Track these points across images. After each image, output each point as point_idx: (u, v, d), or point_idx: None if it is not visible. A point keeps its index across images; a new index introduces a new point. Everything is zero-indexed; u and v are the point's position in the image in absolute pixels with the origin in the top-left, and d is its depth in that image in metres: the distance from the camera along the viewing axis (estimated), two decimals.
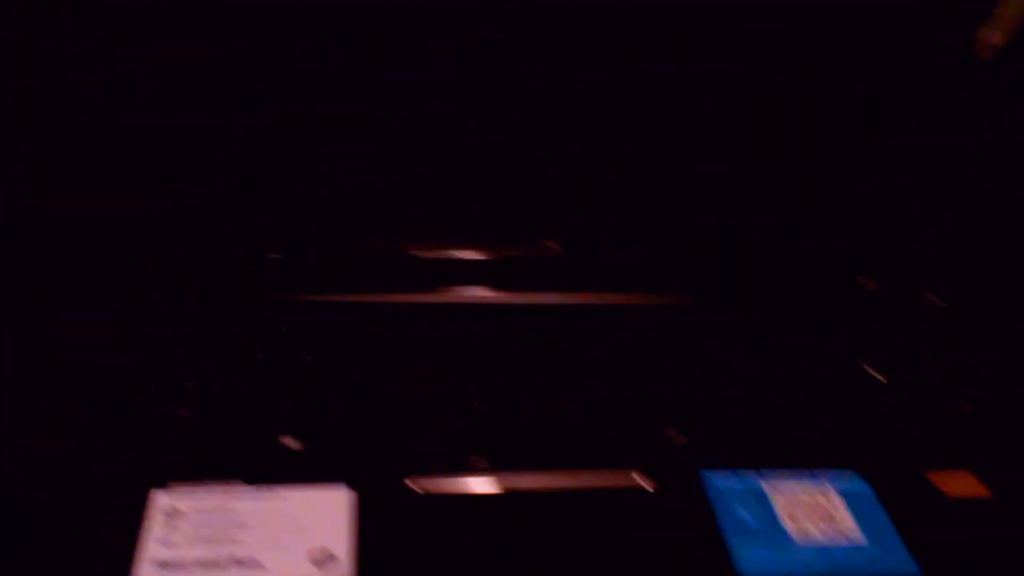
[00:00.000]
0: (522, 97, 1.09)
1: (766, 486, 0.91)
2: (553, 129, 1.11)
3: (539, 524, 0.86)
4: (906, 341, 1.07)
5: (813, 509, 0.89)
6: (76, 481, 0.85)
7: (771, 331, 1.07)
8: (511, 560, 0.83)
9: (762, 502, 0.89)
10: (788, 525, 0.87)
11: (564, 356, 1.02)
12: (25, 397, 0.91)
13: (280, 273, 1.08)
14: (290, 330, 1.02)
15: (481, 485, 0.89)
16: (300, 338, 1.01)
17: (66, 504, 0.83)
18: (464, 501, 0.88)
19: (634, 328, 1.06)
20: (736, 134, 1.13)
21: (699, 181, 1.14)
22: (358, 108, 1.07)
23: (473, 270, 1.11)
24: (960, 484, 0.92)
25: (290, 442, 0.90)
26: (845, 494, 0.91)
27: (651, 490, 0.90)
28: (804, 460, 0.93)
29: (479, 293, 1.09)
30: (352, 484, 0.86)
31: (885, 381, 1.03)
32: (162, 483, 0.84)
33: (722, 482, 0.91)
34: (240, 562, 0.80)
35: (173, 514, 0.83)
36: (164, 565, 0.79)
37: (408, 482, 0.87)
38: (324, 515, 0.83)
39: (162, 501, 0.83)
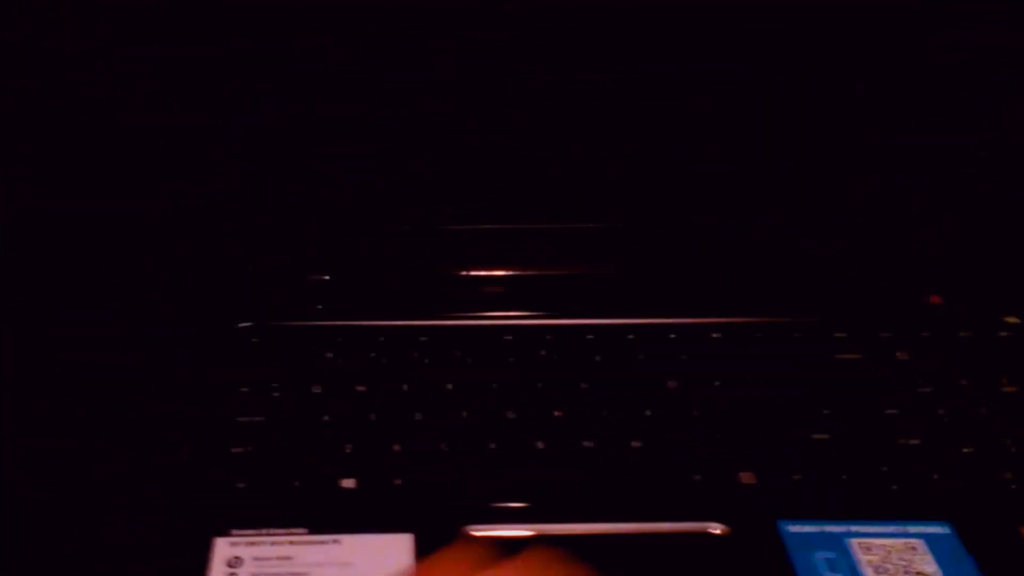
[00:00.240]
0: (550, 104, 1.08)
1: (848, 537, 0.85)
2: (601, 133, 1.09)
3: (605, 573, 0.81)
4: (993, 372, 1.00)
5: (900, 563, 0.83)
6: (131, 527, 0.84)
7: (857, 361, 1.02)
8: None
9: (844, 554, 0.84)
10: None
11: (626, 385, 0.98)
12: (73, 433, 0.91)
13: (328, 296, 1.07)
14: (341, 359, 1.00)
15: (545, 531, 0.86)
16: (352, 367, 0.99)
17: (123, 549, 0.82)
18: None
19: (707, 353, 1.02)
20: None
21: (756, 190, 1.12)
22: (401, 124, 1.06)
23: (527, 290, 1.09)
24: None
25: (346, 483, 0.89)
26: (935, 547, 0.84)
27: (723, 538, 0.85)
28: (891, 509, 0.88)
29: (533, 315, 1.07)
30: (410, 528, 0.85)
31: (984, 417, 0.96)
32: (223, 531, 0.84)
33: (800, 531, 0.85)
34: None
35: (235, 564, 0.82)
36: None
37: (469, 530, 0.86)
38: (387, 562, 0.82)
39: (224, 550, 0.83)
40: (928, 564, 0.83)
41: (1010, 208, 1.11)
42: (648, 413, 0.95)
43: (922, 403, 0.97)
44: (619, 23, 1.05)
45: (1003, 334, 1.05)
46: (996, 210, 1.11)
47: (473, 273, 1.10)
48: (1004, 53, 1.04)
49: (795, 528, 0.86)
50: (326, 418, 0.94)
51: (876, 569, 0.82)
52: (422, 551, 0.83)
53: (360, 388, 0.97)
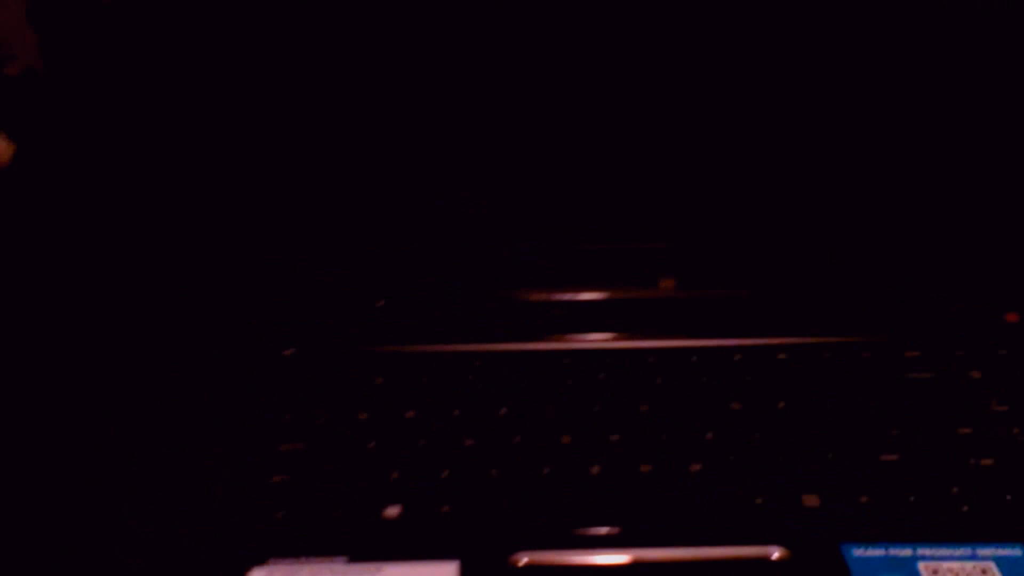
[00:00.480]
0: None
1: (916, 560, 0.81)
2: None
3: None
4: None
5: None
6: (169, 556, 0.83)
7: (928, 380, 0.97)
8: None
9: None
10: None
11: (687, 408, 0.95)
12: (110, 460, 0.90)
13: (381, 322, 1.04)
14: (389, 384, 0.98)
15: (598, 559, 0.83)
16: (401, 393, 0.97)
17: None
18: None
19: (773, 375, 0.99)
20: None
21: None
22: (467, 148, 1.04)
23: (586, 313, 1.06)
24: None
25: (390, 511, 0.87)
26: (1008, 570, 0.80)
27: (783, 563, 0.82)
28: (961, 531, 0.83)
29: (589, 339, 1.03)
30: (455, 556, 0.83)
31: None
32: (261, 559, 0.82)
33: (865, 554, 0.81)
34: None
35: None
36: None
37: (516, 558, 0.83)
38: None
39: None
40: None
41: None
42: (709, 436, 0.92)
43: (996, 422, 0.93)
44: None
45: None
46: None
47: (530, 297, 1.07)
48: None
49: (860, 552, 0.82)
50: (372, 444, 0.92)
51: None
52: None
53: (409, 414, 0.95)
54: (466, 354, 1.01)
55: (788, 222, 1.09)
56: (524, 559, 0.83)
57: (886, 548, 0.82)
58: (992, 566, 0.81)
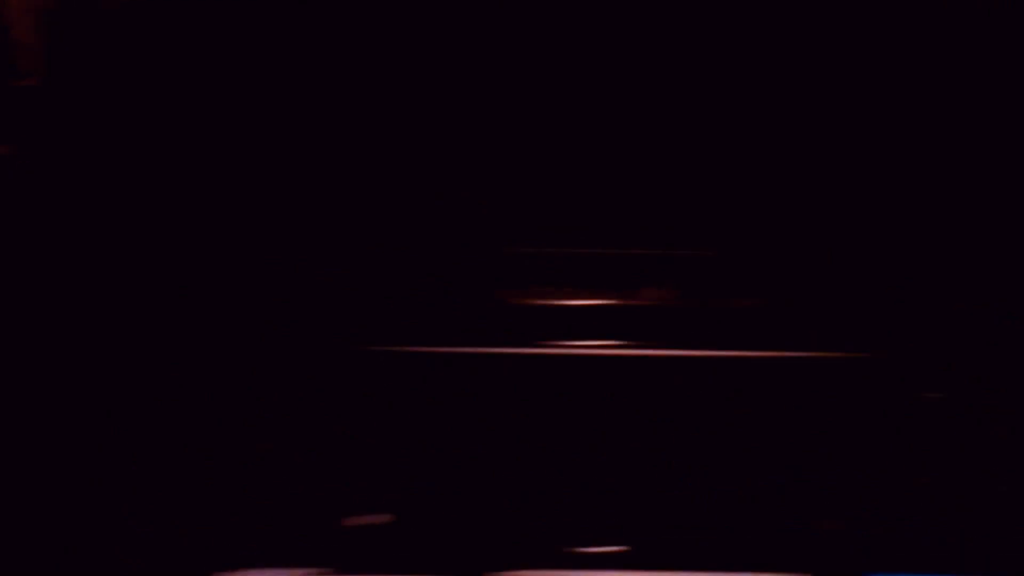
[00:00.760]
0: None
1: None
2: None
3: None
4: None
5: None
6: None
7: (963, 407, 0.89)
8: None
9: None
10: None
11: (697, 422, 0.90)
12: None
13: (386, 321, 1.00)
14: (392, 386, 0.93)
15: None
16: (406, 396, 0.93)
17: None
18: None
19: (789, 389, 0.92)
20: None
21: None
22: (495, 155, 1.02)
23: (574, 320, 1.01)
24: None
25: (367, 520, 0.83)
26: None
27: None
28: (994, 564, 0.76)
29: (582, 345, 0.98)
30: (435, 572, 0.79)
31: None
32: (227, 568, 0.80)
33: None
34: None
35: None
36: None
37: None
38: None
39: None
40: None
41: None
42: (725, 453, 0.87)
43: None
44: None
45: None
46: None
47: (534, 301, 1.03)
48: None
49: None
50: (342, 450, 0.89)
51: None
52: None
53: (394, 419, 0.91)
54: (458, 357, 0.95)
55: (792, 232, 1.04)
56: None
57: None
58: None
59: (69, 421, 0.90)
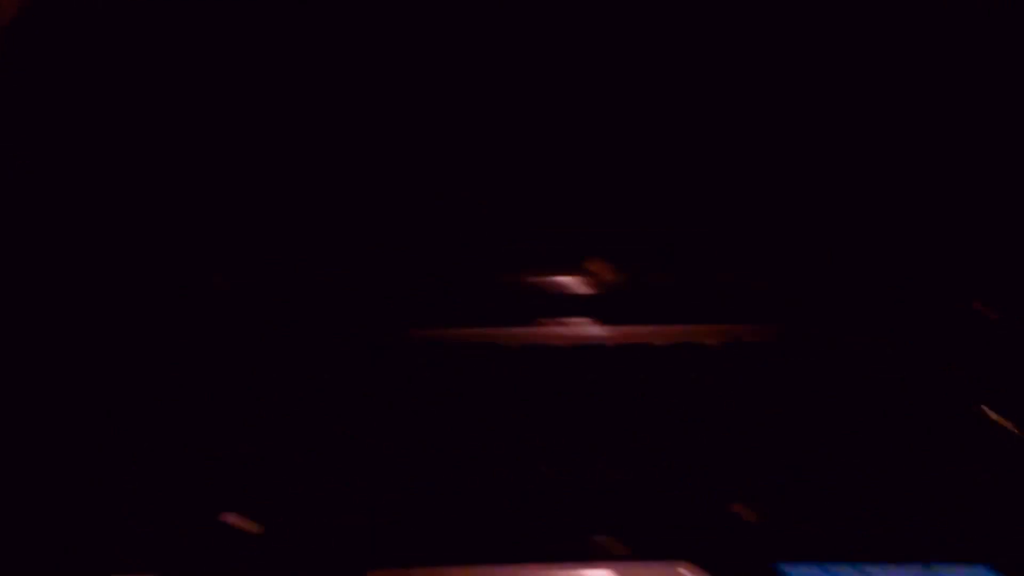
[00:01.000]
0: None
1: None
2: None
3: None
4: None
5: None
6: None
7: (875, 372, 0.84)
8: None
9: None
10: None
11: (595, 407, 0.83)
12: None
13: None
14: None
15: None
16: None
17: None
18: None
19: (700, 368, 0.86)
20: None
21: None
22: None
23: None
24: None
25: (237, 522, 0.79)
26: None
27: None
28: (919, 549, 0.73)
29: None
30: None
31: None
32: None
33: (802, 574, 0.72)
34: None
35: None
36: None
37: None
38: None
39: None
40: None
41: None
42: (622, 434, 0.81)
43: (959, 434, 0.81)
44: None
45: None
46: None
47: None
48: None
49: (795, 571, 0.72)
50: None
51: None
52: None
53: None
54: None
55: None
56: None
57: (827, 569, 0.72)
58: None
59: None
